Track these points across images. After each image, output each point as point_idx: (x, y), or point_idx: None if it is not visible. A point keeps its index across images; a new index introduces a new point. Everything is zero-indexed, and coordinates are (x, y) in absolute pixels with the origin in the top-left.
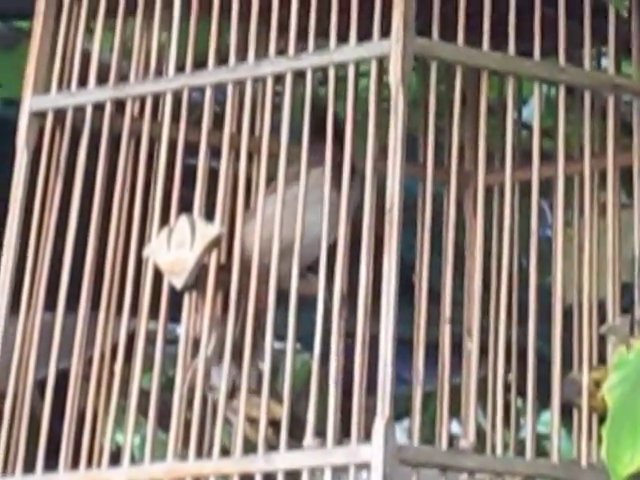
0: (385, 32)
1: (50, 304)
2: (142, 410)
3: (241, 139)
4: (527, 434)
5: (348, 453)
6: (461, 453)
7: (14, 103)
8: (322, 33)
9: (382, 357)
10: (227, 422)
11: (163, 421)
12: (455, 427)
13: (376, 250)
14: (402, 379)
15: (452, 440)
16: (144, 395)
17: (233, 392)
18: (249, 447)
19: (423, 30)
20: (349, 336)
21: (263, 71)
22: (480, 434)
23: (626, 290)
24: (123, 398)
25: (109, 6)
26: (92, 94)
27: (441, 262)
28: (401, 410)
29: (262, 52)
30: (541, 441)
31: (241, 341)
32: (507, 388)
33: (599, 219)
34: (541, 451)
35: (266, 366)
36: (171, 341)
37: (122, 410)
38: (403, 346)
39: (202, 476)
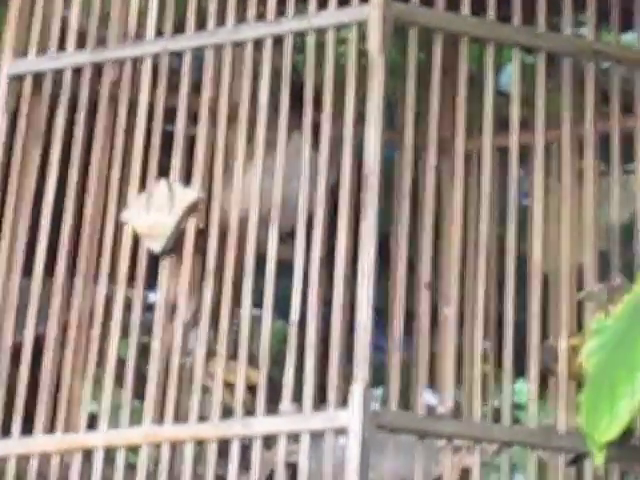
0: None
1: (28, 269)
2: (116, 378)
3: (219, 104)
4: (504, 401)
5: (326, 418)
6: (439, 419)
7: None
8: None
9: (359, 323)
10: (204, 388)
11: (138, 389)
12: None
13: (354, 216)
14: (380, 347)
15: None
16: (119, 362)
17: (208, 356)
18: (226, 412)
19: None
20: (325, 304)
21: (243, 36)
22: (456, 402)
23: (603, 257)
24: (99, 365)
25: None
26: (71, 58)
27: (418, 230)
28: (375, 378)
29: (241, 17)
30: (515, 410)
31: (217, 306)
32: (484, 356)
33: (577, 186)
34: (515, 420)
35: (243, 331)
36: (146, 308)
37: (97, 378)
38: (378, 315)
39: (179, 441)
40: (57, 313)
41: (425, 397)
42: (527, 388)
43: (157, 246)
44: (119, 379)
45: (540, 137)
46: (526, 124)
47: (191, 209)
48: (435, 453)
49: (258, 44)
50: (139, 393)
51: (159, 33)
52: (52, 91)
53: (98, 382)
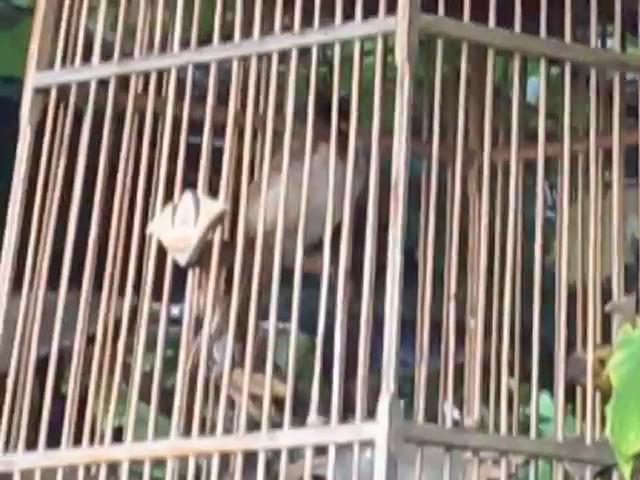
0: (391, 8)
1: (53, 282)
2: (141, 392)
3: (245, 116)
4: (531, 413)
5: (352, 431)
6: (466, 431)
7: (13, 81)
8: (327, 10)
9: (387, 334)
10: (230, 401)
11: (161, 403)
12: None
13: (380, 228)
14: (401, 361)
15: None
16: (144, 376)
17: (232, 366)
18: (252, 425)
19: (429, 7)
20: (350, 317)
21: (268, 47)
22: (482, 414)
23: (628, 270)
24: (124, 379)
25: None
26: (96, 70)
27: (444, 243)
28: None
29: (267, 28)
30: (540, 423)
31: (243, 318)
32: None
33: (603, 199)
34: (540, 433)
35: (270, 344)
36: (171, 321)
37: (122, 391)
38: (405, 328)
39: (205, 453)
40: (82, 326)
41: (450, 410)
42: (554, 400)
43: (183, 258)
44: (144, 392)
45: (566, 149)
46: (552, 136)
47: (217, 221)
48: (462, 466)
49: (284, 56)
50: (164, 406)
51: (184, 45)
52: (77, 103)
53: (123, 395)
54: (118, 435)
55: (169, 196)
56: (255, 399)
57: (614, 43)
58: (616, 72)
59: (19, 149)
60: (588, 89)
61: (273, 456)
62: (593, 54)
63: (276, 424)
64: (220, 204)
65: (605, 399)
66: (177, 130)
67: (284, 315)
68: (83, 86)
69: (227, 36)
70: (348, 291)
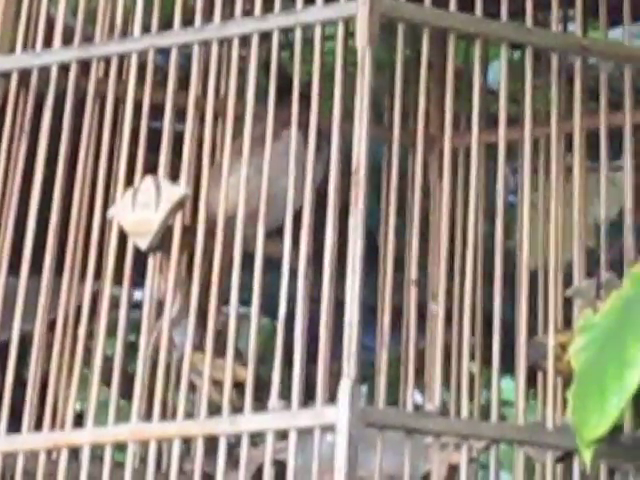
0: None
1: (14, 268)
2: (103, 376)
3: (206, 101)
4: (492, 397)
5: (313, 415)
6: (427, 416)
7: None
8: None
9: (348, 318)
10: (191, 385)
11: (123, 388)
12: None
13: (341, 213)
14: (363, 345)
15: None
16: (105, 361)
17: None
18: (213, 410)
19: None
20: (312, 302)
21: (229, 32)
22: (443, 399)
23: (591, 254)
24: (85, 363)
25: None
26: (57, 54)
27: (405, 228)
28: (361, 376)
29: (228, 13)
30: (502, 407)
31: (204, 302)
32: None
33: (565, 183)
34: (502, 417)
35: (231, 328)
36: (132, 306)
37: (84, 376)
38: (367, 313)
39: (166, 438)
40: (44, 311)
41: (411, 395)
42: (515, 385)
43: (144, 243)
44: (106, 377)
45: (528, 133)
46: (513, 121)
47: (178, 206)
48: (423, 450)
49: (245, 40)
50: (125, 391)
51: (146, 29)
52: (38, 88)
53: (85, 380)
54: (79, 420)
55: (130, 181)
56: (216, 384)
57: (575, 27)
58: (577, 56)
59: None
60: (550, 73)
61: (235, 441)
62: (555, 38)
63: (237, 409)
64: (181, 189)
65: (566, 384)
66: (138, 115)
67: (245, 299)
68: (44, 70)
69: (188, 21)
70: (309, 276)
